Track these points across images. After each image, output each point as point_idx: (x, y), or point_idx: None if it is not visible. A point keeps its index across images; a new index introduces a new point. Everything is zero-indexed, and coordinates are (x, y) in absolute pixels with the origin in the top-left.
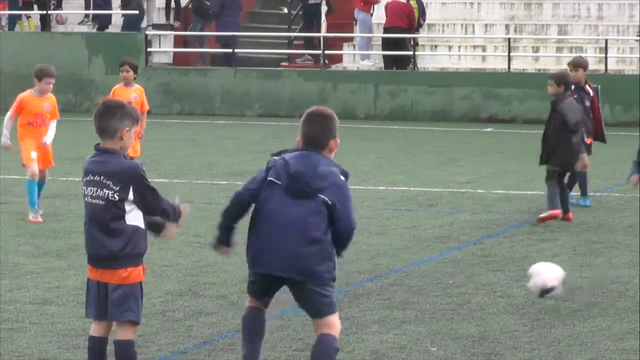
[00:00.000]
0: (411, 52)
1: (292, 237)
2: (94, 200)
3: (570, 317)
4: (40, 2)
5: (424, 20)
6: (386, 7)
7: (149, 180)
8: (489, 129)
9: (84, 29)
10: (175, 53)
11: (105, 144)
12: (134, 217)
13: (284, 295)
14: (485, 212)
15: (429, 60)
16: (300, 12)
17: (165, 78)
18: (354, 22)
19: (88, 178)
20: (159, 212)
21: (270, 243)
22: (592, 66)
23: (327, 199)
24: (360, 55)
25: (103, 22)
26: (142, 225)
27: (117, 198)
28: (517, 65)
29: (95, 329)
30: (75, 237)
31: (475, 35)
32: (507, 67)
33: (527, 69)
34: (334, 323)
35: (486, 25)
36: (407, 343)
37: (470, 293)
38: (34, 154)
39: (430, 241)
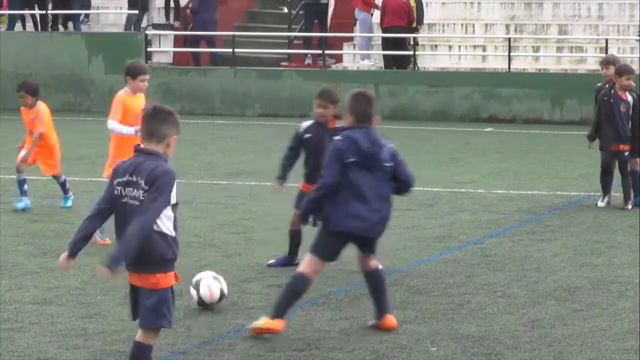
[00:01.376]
0: (411, 52)
1: (377, 204)
2: (130, 201)
3: (571, 317)
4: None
5: (421, 23)
6: (385, 5)
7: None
8: (489, 129)
9: (84, 28)
10: (175, 53)
11: (149, 146)
12: (162, 222)
13: None
14: (485, 212)
15: (429, 60)
16: (302, 12)
17: (165, 78)
18: (354, 22)
19: (125, 178)
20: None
21: (359, 209)
22: (592, 66)
23: (390, 166)
24: (361, 55)
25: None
26: (170, 232)
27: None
28: (517, 65)
29: (139, 333)
30: None
31: (475, 35)
32: (507, 67)
33: (527, 68)
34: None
35: (486, 25)
36: (407, 343)
37: (471, 293)
38: None
39: (430, 241)
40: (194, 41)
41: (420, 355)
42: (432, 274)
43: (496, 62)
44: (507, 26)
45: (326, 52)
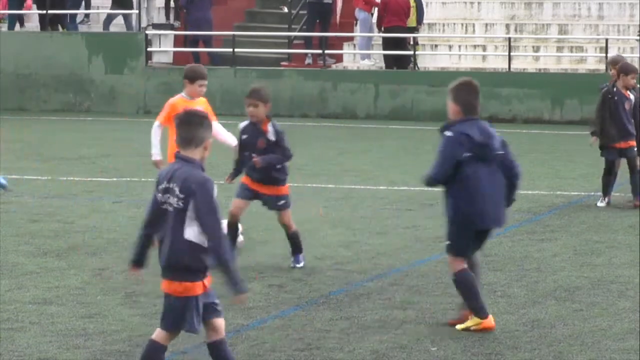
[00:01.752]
0: (412, 52)
1: (498, 194)
2: (166, 207)
3: (571, 317)
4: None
5: (421, 23)
6: (385, 4)
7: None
8: None
9: (84, 28)
10: (175, 52)
11: (186, 152)
12: (193, 231)
13: None
14: None
15: (429, 59)
16: (303, 11)
17: (165, 78)
18: (355, 22)
19: (164, 185)
20: (211, 242)
21: (487, 203)
22: (592, 66)
23: (502, 154)
24: (361, 55)
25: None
26: (199, 241)
27: (180, 206)
28: (517, 65)
29: (157, 333)
30: (75, 237)
31: (475, 35)
32: (507, 66)
33: (527, 68)
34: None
35: (486, 24)
36: (407, 343)
37: None
38: None
39: (430, 241)
40: (194, 41)
41: (421, 355)
42: (432, 274)
43: (496, 62)
44: (507, 26)
45: (326, 51)
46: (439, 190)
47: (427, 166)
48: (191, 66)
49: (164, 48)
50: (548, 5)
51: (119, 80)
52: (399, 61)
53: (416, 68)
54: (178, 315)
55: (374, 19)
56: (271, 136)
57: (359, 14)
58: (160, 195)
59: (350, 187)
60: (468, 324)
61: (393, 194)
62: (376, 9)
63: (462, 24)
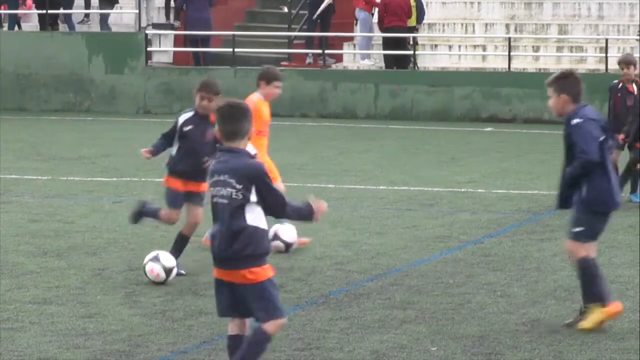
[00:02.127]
0: (411, 52)
1: (615, 177)
2: (220, 200)
3: (571, 317)
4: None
5: (421, 22)
6: (385, 5)
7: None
8: (489, 129)
9: (84, 28)
10: (175, 52)
11: (231, 144)
12: (255, 217)
13: None
14: (485, 211)
15: (429, 59)
16: (303, 11)
17: (165, 78)
18: (355, 22)
19: (214, 179)
20: (283, 213)
21: (614, 187)
22: (592, 66)
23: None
24: (361, 55)
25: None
26: (263, 225)
27: (240, 197)
28: (517, 65)
29: (231, 327)
30: (75, 236)
31: (475, 35)
32: (507, 66)
33: (527, 68)
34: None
35: (486, 24)
36: (407, 343)
37: (471, 293)
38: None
39: (430, 241)
40: (194, 41)
41: (421, 355)
42: (432, 274)
43: (496, 62)
44: (507, 26)
45: (326, 51)
46: (438, 190)
47: (427, 166)
48: (268, 67)
49: (164, 48)
50: (548, 5)
51: (119, 80)
52: (399, 61)
53: (416, 68)
54: (265, 299)
55: (374, 19)
56: None
57: (359, 13)
58: (211, 189)
59: (350, 187)
60: (593, 318)
61: (393, 194)
62: (377, 9)
63: (462, 24)
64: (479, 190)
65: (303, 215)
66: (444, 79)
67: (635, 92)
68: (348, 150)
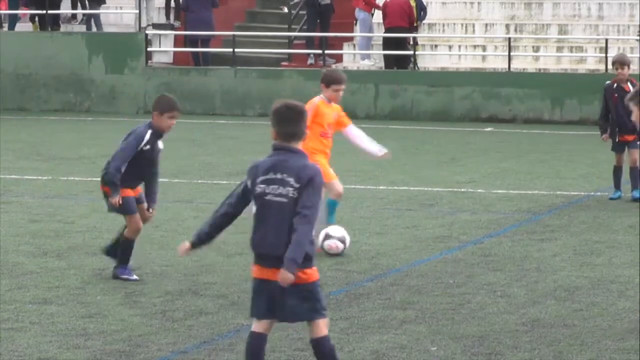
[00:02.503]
0: (411, 52)
1: None
2: (275, 198)
3: (571, 317)
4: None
5: (422, 20)
6: (385, 6)
7: None
8: (489, 129)
9: (84, 28)
10: (175, 53)
11: (288, 144)
12: None
13: None
14: (485, 211)
15: (429, 59)
16: (303, 11)
17: (165, 78)
18: (355, 22)
19: (269, 176)
20: (296, 226)
21: None
22: (592, 66)
23: None
24: (361, 55)
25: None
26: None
27: (295, 196)
28: (517, 65)
29: (256, 325)
30: (75, 237)
31: (475, 35)
32: (507, 66)
33: (527, 68)
34: None
35: (486, 24)
36: (407, 343)
37: (471, 293)
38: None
39: (430, 241)
40: (194, 41)
41: (421, 355)
42: (432, 274)
43: (496, 62)
44: (507, 26)
45: (326, 52)
46: (438, 190)
47: (427, 166)
48: (329, 71)
49: (164, 48)
50: (548, 6)
51: (119, 80)
52: (399, 61)
53: (416, 68)
54: (314, 299)
55: (374, 19)
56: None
57: (359, 14)
58: (262, 187)
59: (350, 187)
60: None
61: (393, 194)
62: (378, 10)
63: (462, 24)
64: (479, 191)
65: (299, 253)
66: (444, 79)
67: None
68: (348, 151)
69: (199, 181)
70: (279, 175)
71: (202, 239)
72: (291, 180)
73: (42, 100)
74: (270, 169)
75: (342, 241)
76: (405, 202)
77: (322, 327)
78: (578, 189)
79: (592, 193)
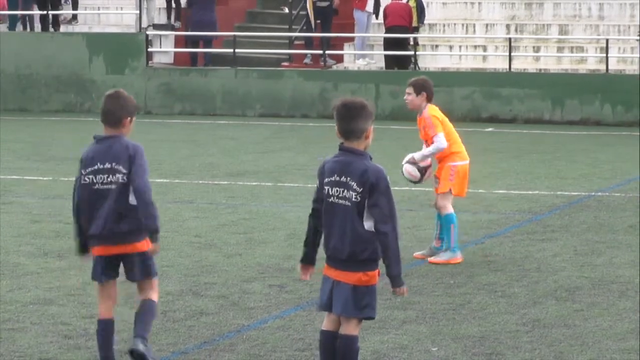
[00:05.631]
0: (412, 52)
1: None
2: (339, 201)
3: (571, 317)
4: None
5: (423, 23)
6: (386, 9)
7: None
8: (490, 129)
9: (84, 28)
10: (176, 53)
11: (351, 144)
12: (370, 222)
13: None
14: (485, 212)
15: (429, 60)
16: (304, 12)
17: (166, 78)
18: (355, 22)
19: (334, 178)
20: (380, 231)
21: None
22: (593, 66)
23: None
24: (356, 55)
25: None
26: (374, 230)
27: (358, 199)
28: (518, 65)
29: (326, 323)
30: None
31: (476, 35)
32: (508, 67)
33: (528, 68)
34: None
35: (487, 25)
36: (407, 343)
37: (471, 293)
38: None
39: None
40: (194, 41)
41: (421, 355)
42: (433, 274)
43: (497, 62)
44: (508, 26)
45: (327, 52)
46: None
47: None
48: (421, 78)
49: (165, 48)
50: (548, 6)
51: (119, 81)
52: (400, 61)
53: (417, 68)
54: (368, 301)
55: (374, 20)
56: None
57: (355, 13)
58: (327, 188)
59: None
60: None
61: (394, 194)
62: (380, 11)
63: (462, 24)
64: (479, 191)
65: (394, 260)
66: (444, 80)
67: None
68: None
69: (200, 181)
70: (342, 179)
71: (312, 256)
72: (354, 184)
73: (43, 100)
74: (334, 170)
75: (421, 172)
76: (405, 202)
77: (355, 326)
78: (578, 189)
79: (593, 193)
